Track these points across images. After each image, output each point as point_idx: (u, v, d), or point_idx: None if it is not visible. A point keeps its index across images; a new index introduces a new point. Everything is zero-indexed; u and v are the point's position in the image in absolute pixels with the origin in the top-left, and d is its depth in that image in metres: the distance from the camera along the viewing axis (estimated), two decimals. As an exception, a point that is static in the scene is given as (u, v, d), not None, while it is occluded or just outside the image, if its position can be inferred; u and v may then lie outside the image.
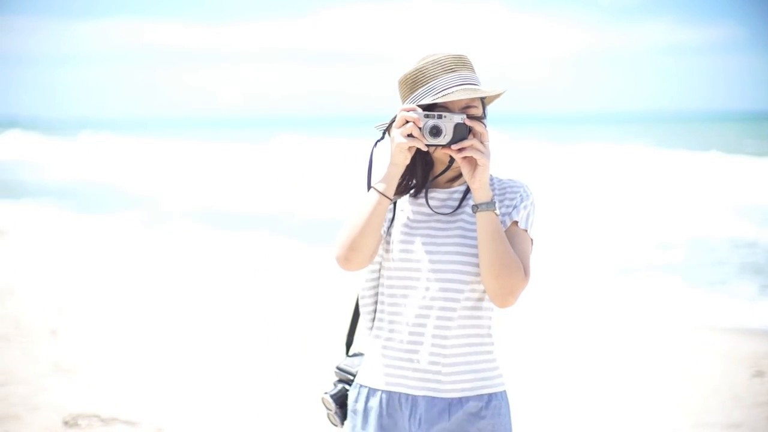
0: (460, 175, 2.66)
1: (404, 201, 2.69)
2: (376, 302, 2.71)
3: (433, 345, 2.58)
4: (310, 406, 5.90)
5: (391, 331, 2.63)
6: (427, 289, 2.59)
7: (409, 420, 2.61)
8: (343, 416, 2.75)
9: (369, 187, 2.60)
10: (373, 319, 2.71)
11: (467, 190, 2.64)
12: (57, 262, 11.74)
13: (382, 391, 2.63)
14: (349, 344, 2.84)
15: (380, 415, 2.63)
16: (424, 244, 2.61)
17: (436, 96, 2.54)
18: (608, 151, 30.80)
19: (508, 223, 2.60)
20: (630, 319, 8.95)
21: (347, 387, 2.76)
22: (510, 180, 2.67)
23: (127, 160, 37.20)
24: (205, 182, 27.19)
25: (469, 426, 2.59)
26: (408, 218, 2.66)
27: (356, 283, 2.83)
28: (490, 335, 2.65)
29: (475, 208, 2.52)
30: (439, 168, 2.64)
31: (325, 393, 2.77)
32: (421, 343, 2.59)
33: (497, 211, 2.52)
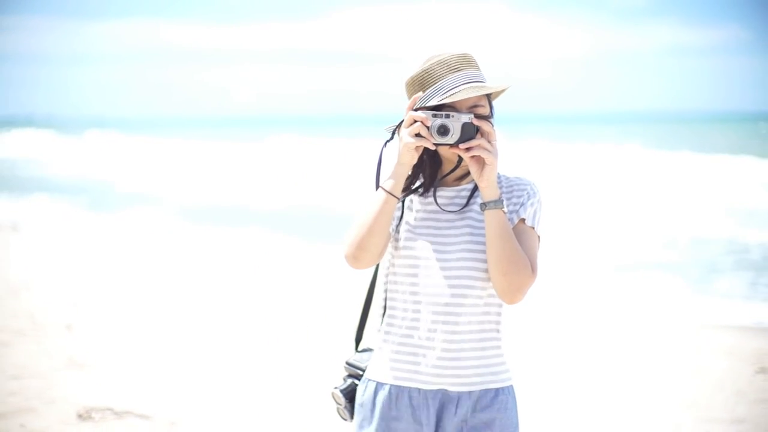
0: (468, 174, 2.70)
1: (413, 199, 2.72)
2: (386, 298, 2.74)
3: (442, 340, 2.62)
4: (319, 400, 5.96)
5: (399, 326, 2.67)
6: (437, 285, 2.63)
7: (417, 414, 2.64)
8: (352, 411, 2.78)
9: (377, 186, 2.63)
10: (384, 314, 2.74)
11: (475, 188, 2.68)
12: (71, 257, 11.84)
13: (390, 386, 2.67)
14: (358, 340, 2.87)
15: (387, 409, 2.66)
16: (432, 242, 2.65)
17: (444, 96, 2.58)
18: (609, 151, 30.74)
19: (516, 221, 2.63)
20: (635, 317, 8.99)
21: (356, 382, 2.79)
22: (517, 178, 2.71)
23: (134, 159, 37.31)
24: (210, 180, 27.28)
25: (475, 420, 2.63)
26: (416, 216, 2.69)
27: (363, 280, 2.88)
28: (498, 330, 2.68)
29: (484, 206, 2.56)
30: (447, 167, 2.68)
31: (335, 388, 2.80)
32: (431, 339, 2.63)
33: (505, 209, 2.56)
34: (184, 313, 8.63)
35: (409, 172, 2.68)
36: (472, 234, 2.64)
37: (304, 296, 9.62)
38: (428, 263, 2.64)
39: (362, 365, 2.79)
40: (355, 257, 2.61)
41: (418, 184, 2.72)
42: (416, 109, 2.59)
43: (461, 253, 2.63)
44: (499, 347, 2.68)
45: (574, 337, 8.06)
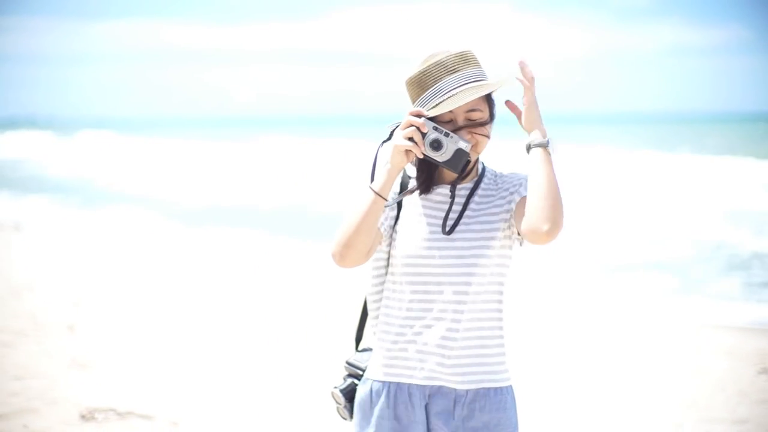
0: (467, 174, 2.70)
1: (412, 198, 2.73)
2: (381, 298, 2.75)
3: (441, 338, 2.63)
4: (320, 400, 5.98)
5: (397, 325, 2.68)
6: (438, 284, 2.64)
7: (416, 412, 2.66)
8: (352, 410, 2.78)
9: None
10: (381, 314, 2.74)
11: (474, 187, 2.69)
12: (73, 258, 11.86)
13: (389, 384, 2.68)
14: (358, 339, 2.87)
15: (386, 408, 2.67)
16: (431, 240, 2.66)
17: (442, 98, 2.59)
18: (609, 151, 30.77)
19: (517, 200, 2.63)
20: (636, 317, 9.00)
21: (356, 381, 2.79)
22: (511, 173, 2.73)
23: (134, 159, 37.37)
24: (210, 181, 27.31)
25: (474, 420, 2.64)
26: (415, 215, 2.70)
27: (363, 279, 2.89)
28: (500, 328, 2.69)
29: (528, 147, 2.57)
30: (448, 173, 2.70)
31: (335, 387, 2.81)
32: (429, 337, 2.64)
33: (551, 150, 2.57)
34: (186, 314, 8.64)
35: (400, 174, 2.70)
36: (470, 231, 2.64)
37: (304, 296, 9.64)
38: (427, 261, 2.65)
39: (362, 365, 2.80)
40: (342, 255, 2.62)
41: (416, 184, 2.72)
42: (417, 114, 2.59)
43: (460, 251, 2.63)
44: (500, 346, 2.69)
45: (574, 337, 8.07)
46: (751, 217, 16.65)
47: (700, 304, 9.51)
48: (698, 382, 6.74)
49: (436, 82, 2.61)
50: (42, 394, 6.03)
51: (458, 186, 2.70)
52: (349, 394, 2.79)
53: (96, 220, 17.11)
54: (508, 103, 2.64)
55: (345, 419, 2.82)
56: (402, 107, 2.70)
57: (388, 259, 2.73)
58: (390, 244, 2.71)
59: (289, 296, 9.65)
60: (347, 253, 2.61)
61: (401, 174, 2.75)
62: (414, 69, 2.65)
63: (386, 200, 2.60)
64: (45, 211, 18.41)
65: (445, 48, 2.65)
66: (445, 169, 2.69)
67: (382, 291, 2.75)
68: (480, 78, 2.63)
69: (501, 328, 2.69)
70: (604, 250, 13.05)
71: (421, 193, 2.72)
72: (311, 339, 7.79)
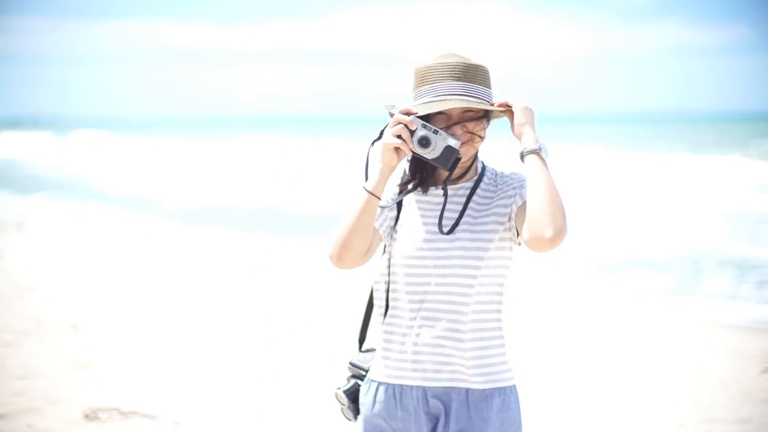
0: (466, 173, 2.71)
1: (412, 199, 2.73)
2: (385, 298, 2.74)
3: (441, 338, 2.63)
4: (324, 400, 5.98)
5: (399, 326, 2.68)
6: (438, 284, 2.63)
7: (418, 413, 2.66)
8: (356, 411, 2.78)
9: None
10: (384, 314, 2.74)
11: (474, 187, 2.69)
12: (76, 258, 11.87)
13: (393, 386, 2.68)
14: (362, 340, 2.87)
15: (389, 409, 2.68)
16: (430, 240, 2.65)
17: (433, 99, 2.59)
18: (608, 152, 30.77)
19: (519, 203, 2.62)
20: (638, 317, 9.01)
21: (360, 382, 2.79)
22: (512, 173, 2.72)
23: (134, 160, 37.41)
24: (210, 181, 27.32)
25: (476, 420, 2.63)
26: (414, 216, 2.70)
27: (366, 280, 2.89)
28: (500, 328, 2.69)
29: (521, 154, 2.56)
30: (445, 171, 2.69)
31: (338, 388, 2.81)
32: (431, 337, 2.64)
33: (545, 156, 2.55)
34: (189, 314, 8.65)
35: (400, 175, 2.71)
36: (470, 231, 2.64)
37: (305, 296, 9.64)
38: (427, 263, 2.64)
39: (365, 365, 2.80)
40: (339, 256, 2.62)
41: (415, 184, 2.72)
42: (406, 112, 2.59)
43: (460, 251, 2.63)
44: (501, 346, 2.69)
45: (576, 337, 8.08)
46: (753, 217, 16.65)
47: (702, 304, 9.51)
48: (700, 382, 6.75)
49: (436, 81, 2.61)
50: (45, 394, 6.05)
51: (458, 185, 2.70)
52: (353, 395, 2.79)
53: (97, 220, 17.13)
54: (501, 104, 2.62)
55: (349, 420, 2.82)
56: (402, 107, 2.69)
57: (390, 259, 2.72)
58: (392, 245, 2.71)
59: (291, 296, 9.66)
60: (344, 254, 2.61)
61: (401, 175, 2.76)
62: (427, 61, 2.65)
63: (380, 199, 2.60)
64: (47, 211, 18.43)
65: (464, 54, 2.64)
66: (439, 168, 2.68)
67: (382, 291, 2.74)
68: (479, 97, 2.61)
69: (501, 328, 2.69)
70: (605, 250, 13.05)
71: (421, 191, 2.72)
72: (312, 339, 7.80)
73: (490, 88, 2.66)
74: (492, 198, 2.68)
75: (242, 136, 54.12)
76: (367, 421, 2.72)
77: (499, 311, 2.68)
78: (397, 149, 2.58)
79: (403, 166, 2.78)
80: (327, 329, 8.10)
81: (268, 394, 6.28)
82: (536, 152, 2.54)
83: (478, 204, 2.68)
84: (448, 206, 2.68)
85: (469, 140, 2.63)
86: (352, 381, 2.81)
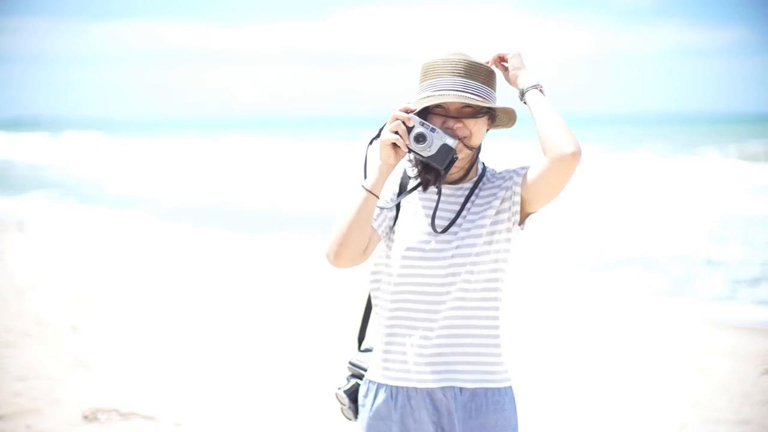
0: (466, 174, 2.71)
1: (411, 198, 2.72)
2: (379, 297, 2.74)
3: (439, 336, 2.63)
4: (324, 400, 5.98)
5: (395, 325, 2.68)
6: (433, 285, 2.63)
7: (415, 414, 2.66)
8: (356, 411, 2.78)
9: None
10: (382, 314, 2.73)
11: (474, 187, 2.69)
12: (76, 258, 11.87)
13: (390, 387, 2.68)
14: (361, 339, 2.88)
15: (386, 410, 2.68)
16: (427, 240, 2.65)
17: (432, 93, 2.60)
18: (610, 153, 30.80)
19: (522, 172, 2.63)
20: (639, 317, 9.01)
21: (359, 382, 2.79)
22: (504, 169, 2.73)
23: (134, 160, 37.49)
24: (210, 181, 27.36)
25: (472, 421, 2.63)
26: (412, 215, 2.70)
27: (363, 279, 2.89)
28: (497, 327, 2.68)
29: (521, 95, 2.61)
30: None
31: (338, 388, 2.81)
32: (427, 338, 2.64)
33: (543, 91, 2.60)
34: (189, 315, 8.65)
35: (400, 176, 2.71)
36: (468, 230, 2.64)
37: (305, 296, 9.64)
38: (424, 263, 2.64)
39: (364, 365, 2.80)
40: (336, 255, 2.61)
41: (414, 184, 2.72)
42: (404, 110, 2.59)
43: (456, 250, 2.63)
44: (496, 346, 2.69)
45: (577, 338, 8.07)
46: (754, 217, 16.65)
47: (703, 305, 9.51)
48: (701, 383, 6.74)
49: (438, 76, 2.61)
50: (45, 395, 6.05)
51: (458, 186, 2.70)
52: (353, 394, 2.79)
53: (98, 220, 17.13)
54: (495, 58, 2.66)
55: (350, 420, 2.82)
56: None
57: (387, 259, 2.72)
58: (389, 245, 2.71)
59: (291, 296, 9.66)
60: (341, 252, 2.60)
61: (401, 176, 2.76)
62: (434, 56, 2.66)
63: (378, 197, 2.60)
64: (48, 212, 18.43)
65: (473, 55, 2.65)
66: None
67: (379, 291, 2.74)
68: (479, 94, 2.61)
69: (497, 327, 2.69)
70: (606, 250, 13.05)
71: (422, 191, 2.71)
72: (312, 339, 7.80)
73: (494, 90, 2.66)
74: (491, 198, 2.68)
75: (242, 137, 54.23)
76: (367, 424, 2.72)
77: (496, 310, 2.68)
78: (394, 146, 2.58)
79: (403, 166, 2.78)
80: (327, 329, 8.10)
81: (268, 394, 6.28)
82: (536, 87, 2.60)
83: (478, 205, 2.68)
84: (448, 206, 2.68)
85: (465, 136, 2.62)
86: (352, 381, 2.81)
